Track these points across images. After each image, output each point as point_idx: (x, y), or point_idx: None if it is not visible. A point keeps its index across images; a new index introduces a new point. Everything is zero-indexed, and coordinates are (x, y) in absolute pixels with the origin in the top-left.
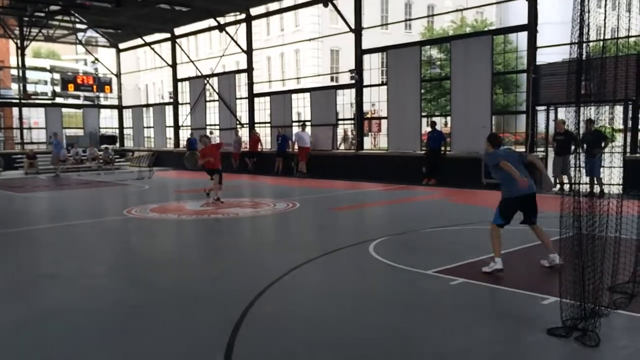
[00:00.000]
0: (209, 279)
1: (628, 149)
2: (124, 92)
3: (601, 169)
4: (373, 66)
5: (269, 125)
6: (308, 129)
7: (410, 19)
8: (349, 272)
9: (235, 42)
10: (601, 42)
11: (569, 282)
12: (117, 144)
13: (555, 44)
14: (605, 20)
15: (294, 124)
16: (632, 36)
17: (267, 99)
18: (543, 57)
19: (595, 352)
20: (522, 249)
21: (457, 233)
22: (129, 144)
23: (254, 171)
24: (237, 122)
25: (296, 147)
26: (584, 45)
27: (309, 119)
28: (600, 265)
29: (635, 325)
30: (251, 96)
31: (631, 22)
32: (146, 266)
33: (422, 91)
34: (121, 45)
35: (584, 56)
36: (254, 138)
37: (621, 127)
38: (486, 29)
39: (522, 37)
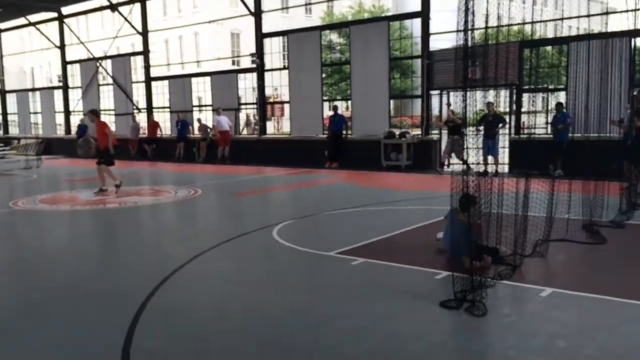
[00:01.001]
0: (105, 272)
1: (512, 131)
2: (6, 76)
3: (499, 149)
4: (275, 50)
5: (168, 110)
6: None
7: (310, 3)
8: (253, 257)
9: (129, 23)
10: (488, 30)
11: (459, 256)
12: (1, 131)
13: (445, 31)
14: (487, 8)
15: (194, 108)
16: (513, 24)
17: (166, 82)
18: (438, 44)
19: (483, 321)
20: (420, 227)
21: (357, 215)
22: (14, 131)
23: (154, 158)
24: (134, 107)
25: (196, 132)
26: (470, 32)
27: (210, 103)
28: (487, 239)
29: (517, 295)
30: (148, 80)
31: (511, 11)
32: (36, 261)
33: (324, 75)
34: (2, 25)
35: (469, 43)
36: (153, 123)
37: (507, 110)
38: (383, 15)
39: (418, 24)
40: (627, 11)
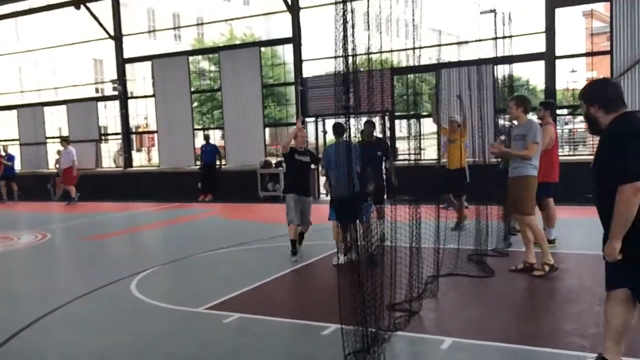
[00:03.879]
0: None
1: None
2: None
3: None
4: (144, 76)
5: (17, 142)
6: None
7: (178, 27)
8: (99, 323)
9: None
10: (365, 57)
11: (349, 309)
12: None
13: (316, 58)
14: (349, 35)
15: (47, 140)
16: (385, 51)
17: (15, 112)
18: (312, 70)
19: None
20: (302, 267)
21: (231, 256)
22: None
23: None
24: None
25: (52, 166)
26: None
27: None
28: (380, 285)
29: (417, 349)
30: None
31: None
32: None
33: (196, 103)
34: None
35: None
36: None
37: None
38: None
39: (291, 50)
40: (479, 40)
